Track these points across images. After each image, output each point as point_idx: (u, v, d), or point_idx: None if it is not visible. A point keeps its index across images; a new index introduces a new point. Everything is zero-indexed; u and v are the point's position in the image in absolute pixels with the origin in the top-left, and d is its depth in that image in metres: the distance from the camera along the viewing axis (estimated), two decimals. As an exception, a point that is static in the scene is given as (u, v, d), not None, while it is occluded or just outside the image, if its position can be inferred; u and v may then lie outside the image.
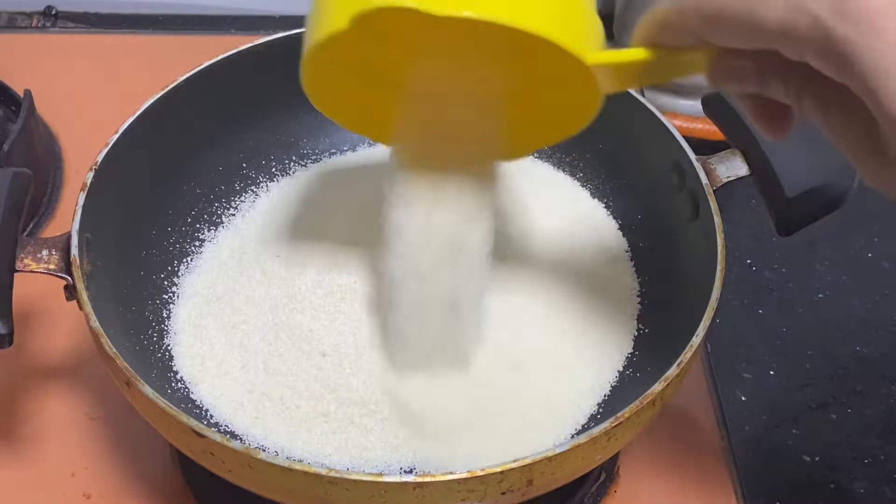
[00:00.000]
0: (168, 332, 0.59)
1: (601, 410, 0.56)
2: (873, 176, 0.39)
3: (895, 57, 0.34)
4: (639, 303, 0.61)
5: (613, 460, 0.61)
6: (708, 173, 0.57)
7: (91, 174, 0.55)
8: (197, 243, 0.64)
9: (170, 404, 0.47)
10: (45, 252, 0.53)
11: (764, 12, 0.36)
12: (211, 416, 0.55)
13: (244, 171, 0.67)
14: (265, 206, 0.65)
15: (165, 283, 0.61)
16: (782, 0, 0.35)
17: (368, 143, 0.68)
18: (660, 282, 0.61)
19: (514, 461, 0.44)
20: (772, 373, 0.71)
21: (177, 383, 0.56)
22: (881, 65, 0.34)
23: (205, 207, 0.65)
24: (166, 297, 0.61)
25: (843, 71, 0.35)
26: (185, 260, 0.63)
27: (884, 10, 0.34)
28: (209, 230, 0.64)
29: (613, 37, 0.91)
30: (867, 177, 0.39)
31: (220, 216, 0.65)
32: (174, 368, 0.57)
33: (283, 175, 0.68)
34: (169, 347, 0.58)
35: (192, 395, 0.56)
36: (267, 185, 0.67)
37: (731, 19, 0.37)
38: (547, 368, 0.57)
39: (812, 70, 0.37)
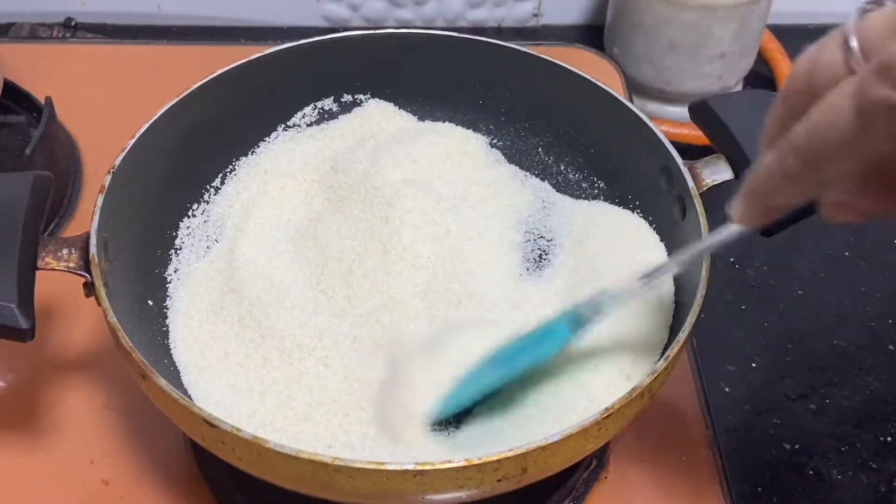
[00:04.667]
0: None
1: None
2: None
3: None
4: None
5: (604, 449, 0.60)
6: (694, 177, 0.57)
7: (109, 177, 0.55)
8: (208, 244, 0.64)
9: (183, 396, 0.47)
10: (65, 251, 0.53)
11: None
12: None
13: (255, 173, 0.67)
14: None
15: (178, 280, 0.61)
16: (850, 110, 0.33)
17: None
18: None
19: (510, 450, 0.44)
20: (754, 365, 0.71)
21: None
22: None
23: (216, 209, 0.65)
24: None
25: None
26: (196, 259, 0.62)
27: None
28: (221, 231, 0.64)
29: (604, 49, 0.91)
30: None
31: (231, 217, 0.65)
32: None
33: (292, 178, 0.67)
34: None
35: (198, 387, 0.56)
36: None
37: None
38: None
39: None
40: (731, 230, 0.45)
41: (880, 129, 0.33)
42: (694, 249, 0.50)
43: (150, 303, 0.58)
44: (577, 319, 0.52)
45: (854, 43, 0.34)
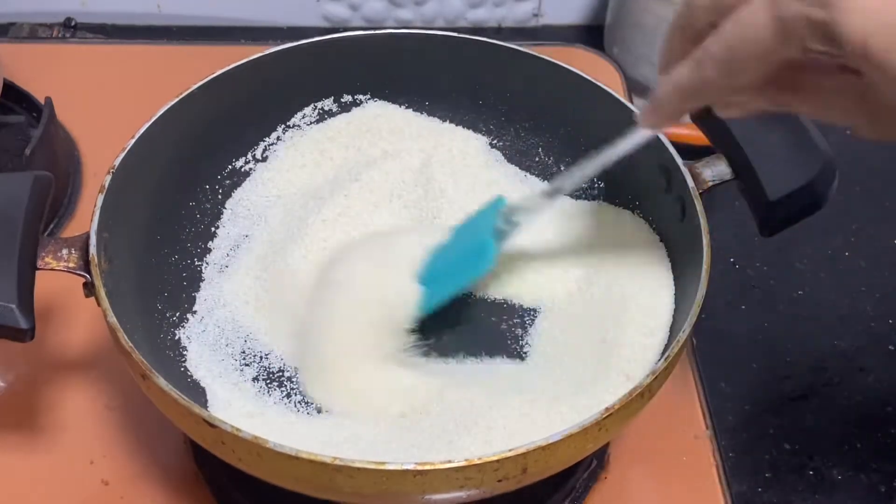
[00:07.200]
0: (181, 326, 0.59)
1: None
2: (872, 132, 0.40)
3: (875, 18, 0.34)
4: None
5: (604, 449, 0.60)
6: (694, 177, 0.57)
7: (109, 177, 0.55)
8: (209, 242, 0.64)
9: (183, 396, 0.47)
10: (64, 251, 0.53)
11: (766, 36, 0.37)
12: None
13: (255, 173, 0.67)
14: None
15: (178, 279, 0.61)
16: (769, 18, 0.37)
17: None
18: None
19: (510, 450, 0.44)
20: (754, 365, 0.71)
21: (190, 375, 0.56)
22: (866, 27, 0.34)
23: (217, 208, 0.65)
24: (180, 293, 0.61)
25: (835, 46, 0.36)
26: (197, 258, 0.63)
27: None
28: (220, 231, 0.64)
29: (604, 49, 0.91)
30: (868, 135, 0.41)
31: (230, 218, 0.65)
32: (186, 361, 0.57)
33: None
34: (181, 341, 0.58)
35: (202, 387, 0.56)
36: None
37: (744, 55, 0.38)
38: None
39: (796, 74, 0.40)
40: (642, 135, 0.48)
41: (795, 40, 0.36)
42: (605, 156, 0.51)
43: (150, 303, 0.58)
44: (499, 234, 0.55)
45: None
